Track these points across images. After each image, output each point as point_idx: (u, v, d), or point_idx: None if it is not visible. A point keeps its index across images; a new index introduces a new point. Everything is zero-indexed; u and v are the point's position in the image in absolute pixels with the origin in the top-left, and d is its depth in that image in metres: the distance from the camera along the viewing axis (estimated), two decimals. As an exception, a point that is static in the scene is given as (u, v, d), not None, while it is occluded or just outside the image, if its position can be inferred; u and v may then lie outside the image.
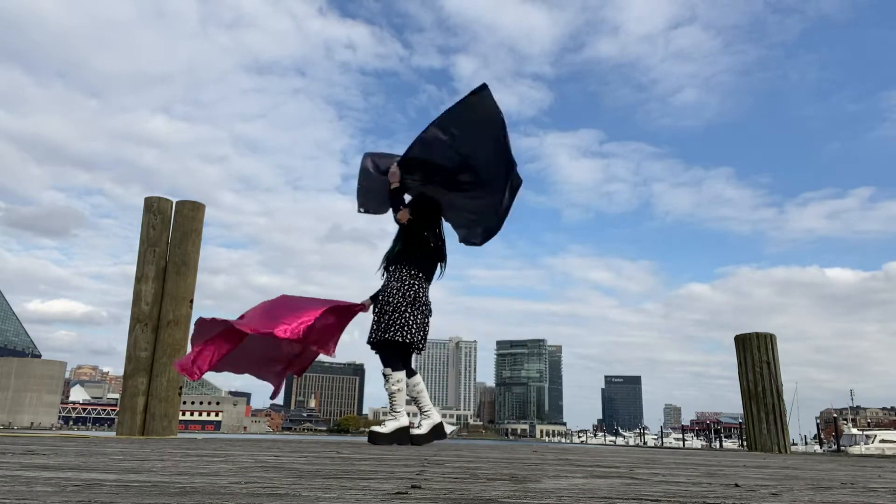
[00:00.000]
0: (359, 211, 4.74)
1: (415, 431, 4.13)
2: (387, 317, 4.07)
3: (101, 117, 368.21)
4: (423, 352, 4.25)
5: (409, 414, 4.23)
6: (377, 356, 4.21)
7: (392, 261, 4.27)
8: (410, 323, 4.07)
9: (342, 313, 4.31)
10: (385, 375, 4.11)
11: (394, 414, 4.12)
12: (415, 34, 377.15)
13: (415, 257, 4.22)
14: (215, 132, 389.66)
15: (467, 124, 3.92)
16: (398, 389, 4.09)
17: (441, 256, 4.33)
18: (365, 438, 4.38)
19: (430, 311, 4.26)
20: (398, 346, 4.09)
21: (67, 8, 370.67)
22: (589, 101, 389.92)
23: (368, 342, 4.17)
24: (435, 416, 4.22)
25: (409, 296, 4.12)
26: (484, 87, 3.77)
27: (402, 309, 4.07)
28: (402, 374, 4.13)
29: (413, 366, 4.31)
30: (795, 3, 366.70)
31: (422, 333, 4.15)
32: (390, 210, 4.40)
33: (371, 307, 4.30)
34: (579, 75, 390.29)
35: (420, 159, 4.15)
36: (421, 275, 4.22)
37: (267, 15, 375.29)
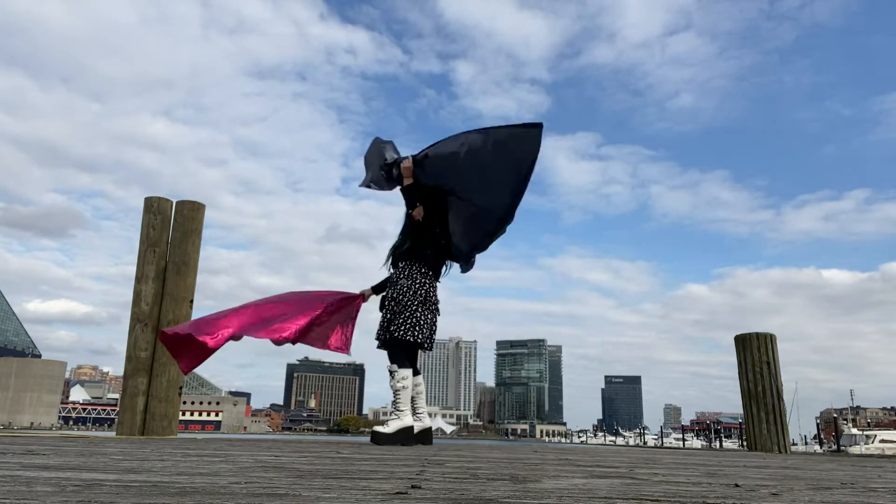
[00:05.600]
0: (363, 186, 4.50)
1: (378, 428, 4.02)
2: (398, 315, 4.05)
3: (103, 121, 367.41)
4: (430, 351, 4.23)
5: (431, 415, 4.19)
6: (385, 353, 4.18)
7: (401, 257, 4.23)
8: (421, 322, 4.06)
9: (344, 309, 4.31)
10: (391, 372, 4.07)
11: (397, 413, 4.03)
12: (414, 40, 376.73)
13: (426, 255, 4.20)
14: (216, 135, 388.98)
15: (505, 148, 3.86)
16: (403, 387, 4.03)
17: (448, 255, 4.31)
18: (366, 438, 4.36)
19: (438, 310, 4.24)
20: (407, 344, 4.07)
21: (71, 13, 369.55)
22: (586, 106, 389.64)
23: (377, 339, 4.16)
24: (406, 420, 4.03)
25: (420, 294, 4.11)
26: (539, 126, 3.78)
27: (413, 308, 4.06)
28: (408, 372, 4.07)
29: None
30: (789, 11, 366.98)
31: (430, 332, 4.14)
32: (392, 189, 4.32)
33: (370, 297, 4.32)
34: (576, 80, 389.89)
35: (444, 160, 4.05)
36: (431, 273, 4.22)
37: (268, 20, 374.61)
